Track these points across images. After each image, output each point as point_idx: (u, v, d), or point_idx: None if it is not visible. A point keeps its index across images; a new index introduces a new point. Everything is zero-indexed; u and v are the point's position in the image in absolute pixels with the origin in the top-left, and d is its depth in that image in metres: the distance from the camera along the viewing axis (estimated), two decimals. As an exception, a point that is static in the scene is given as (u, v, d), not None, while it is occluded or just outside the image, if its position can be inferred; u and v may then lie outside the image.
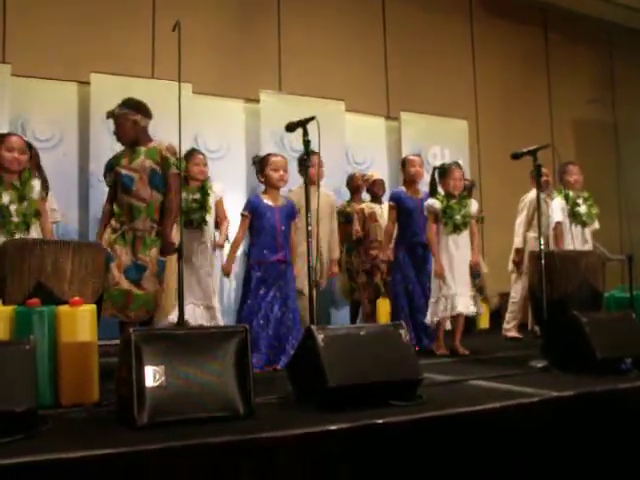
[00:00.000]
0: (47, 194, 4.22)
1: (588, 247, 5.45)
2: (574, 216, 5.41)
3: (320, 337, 2.73)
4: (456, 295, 4.65)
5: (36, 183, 4.04)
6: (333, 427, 2.32)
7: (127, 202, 3.97)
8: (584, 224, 5.47)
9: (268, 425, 2.34)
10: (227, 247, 4.81)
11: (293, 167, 6.65)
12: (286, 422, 2.40)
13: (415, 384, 2.82)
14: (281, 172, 4.34)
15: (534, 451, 2.69)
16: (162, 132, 6.13)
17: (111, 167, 4.10)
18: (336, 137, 6.82)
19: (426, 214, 4.86)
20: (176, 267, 3.52)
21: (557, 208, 5.50)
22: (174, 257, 3.82)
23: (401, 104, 7.96)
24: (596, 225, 5.60)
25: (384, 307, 5.82)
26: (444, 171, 4.88)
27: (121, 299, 3.85)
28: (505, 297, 6.89)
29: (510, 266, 6.22)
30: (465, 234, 4.79)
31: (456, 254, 4.72)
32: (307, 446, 2.26)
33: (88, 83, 6.15)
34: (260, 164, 4.43)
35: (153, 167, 3.97)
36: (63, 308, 2.82)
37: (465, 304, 4.67)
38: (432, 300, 4.74)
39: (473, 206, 4.89)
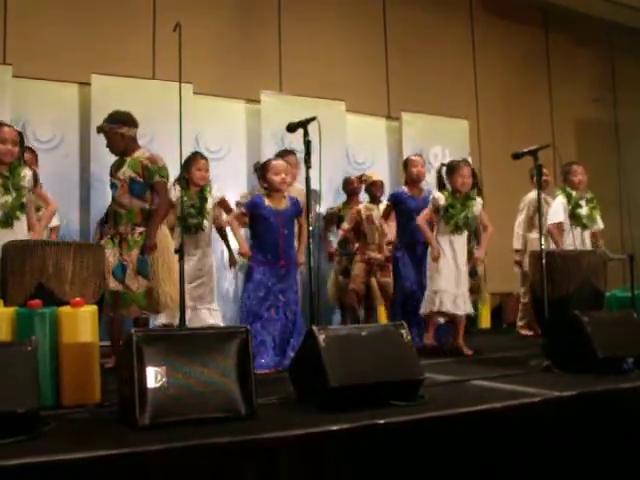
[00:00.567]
0: (36, 184, 4.22)
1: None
2: (574, 217, 5.35)
3: (321, 337, 2.73)
4: (446, 293, 4.64)
5: (26, 172, 4.05)
6: (334, 427, 2.32)
7: (112, 208, 4.35)
8: (584, 226, 5.40)
9: (269, 425, 2.34)
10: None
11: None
12: (287, 422, 2.40)
13: (416, 384, 2.82)
14: (282, 175, 4.32)
15: (536, 451, 2.69)
16: (163, 133, 6.18)
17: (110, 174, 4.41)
18: (337, 137, 6.81)
19: (430, 204, 4.84)
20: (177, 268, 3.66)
21: (559, 208, 5.43)
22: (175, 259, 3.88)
23: (402, 104, 7.96)
24: (600, 225, 5.53)
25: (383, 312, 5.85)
26: (452, 168, 4.84)
27: (111, 299, 4.07)
28: (505, 297, 6.91)
29: (516, 267, 6.23)
30: (463, 237, 4.77)
31: (451, 256, 4.71)
32: (308, 446, 2.27)
33: (89, 84, 6.16)
34: (262, 170, 4.43)
35: (133, 176, 4.23)
36: (64, 309, 2.82)
37: (457, 304, 4.65)
38: (427, 293, 4.75)
39: (478, 206, 4.85)
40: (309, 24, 7.75)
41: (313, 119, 3.22)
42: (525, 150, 4.05)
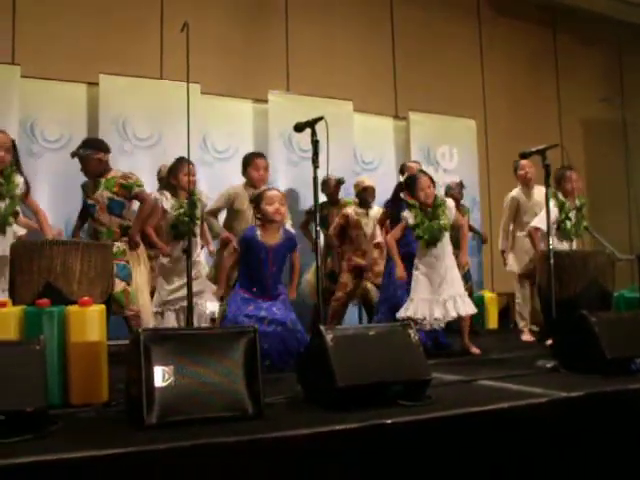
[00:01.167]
0: (29, 191, 4.19)
1: None
2: (560, 230, 5.10)
3: (329, 337, 2.73)
4: (422, 301, 4.55)
5: (19, 180, 4.05)
6: (342, 427, 2.32)
7: (92, 226, 4.72)
8: (570, 240, 5.17)
9: (277, 425, 2.34)
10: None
11: (300, 168, 6.71)
12: (295, 422, 2.40)
13: (424, 384, 2.82)
14: (276, 205, 4.12)
15: (543, 451, 2.69)
16: (170, 133, 6.20)
17: (84, 192, 4.76)
18: (344, 137, 6.82)
19: (402, 221, 4.74)
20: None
21: (545, 216, 5.23)
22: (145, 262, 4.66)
23: (409, 104, 7.96)
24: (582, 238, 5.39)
25: None
26: (410, 183, 4.74)
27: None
28: (512, 297, 6.87)
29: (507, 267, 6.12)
30: (443, 242, 4.64)
31: (437, 264, 4.60)
32: (316, 446, 2.27)
33: (97, 84, 6.19)
34: (256, 200, 4.28)
35: (110, 196, 4.55)
36: (72, 308, 2.83)
37: (455, 307, 4.60)
38: (407, 299, 4.66)
39: (450, 214, 4.70)
40: (316, 24, 7.76)
41: (320, 119, 3.21)
42: (533, 149, 4.02)
